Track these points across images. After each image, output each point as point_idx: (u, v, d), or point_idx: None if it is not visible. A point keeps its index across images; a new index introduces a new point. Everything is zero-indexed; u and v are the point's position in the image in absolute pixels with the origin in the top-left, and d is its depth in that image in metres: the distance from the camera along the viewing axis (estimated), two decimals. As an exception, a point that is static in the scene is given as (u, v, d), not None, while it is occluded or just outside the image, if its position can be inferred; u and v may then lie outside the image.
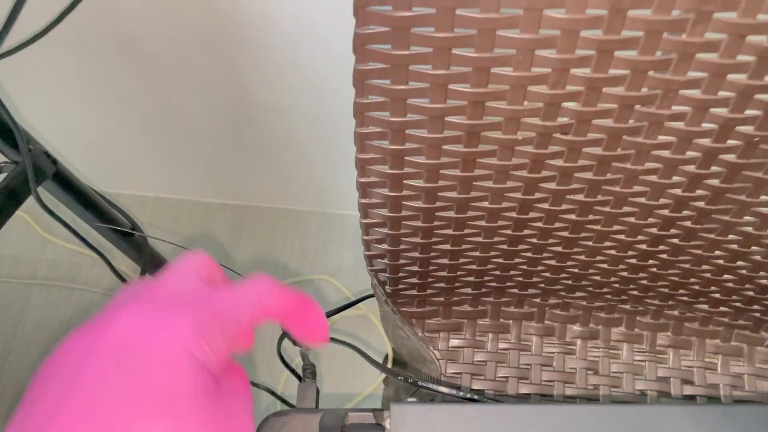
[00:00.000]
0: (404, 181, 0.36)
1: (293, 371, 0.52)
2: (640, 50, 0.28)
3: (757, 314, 0.48)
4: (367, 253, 0.43)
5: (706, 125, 0.32)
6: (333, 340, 0.55)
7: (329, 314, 0.56)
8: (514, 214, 0.39)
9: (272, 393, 0.74)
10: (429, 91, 0.31)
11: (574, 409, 0.36)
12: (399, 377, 0.49)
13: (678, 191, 0.36)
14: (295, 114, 0.85)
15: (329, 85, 0.78)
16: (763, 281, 0.43)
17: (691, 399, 0.49)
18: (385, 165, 0.35)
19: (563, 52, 0.28)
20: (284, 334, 0.53)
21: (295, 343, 0.54)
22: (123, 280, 0.70)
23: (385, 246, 0.42)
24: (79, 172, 0.98)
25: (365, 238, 0.41)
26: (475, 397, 0.47)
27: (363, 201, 0.38)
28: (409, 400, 0.36)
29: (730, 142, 0.33)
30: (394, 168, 0.35)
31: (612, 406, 0.36)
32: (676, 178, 0.35)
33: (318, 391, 0.41)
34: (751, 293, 0.45)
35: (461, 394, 0.47)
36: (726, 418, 0.37)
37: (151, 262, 0.74)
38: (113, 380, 0.21)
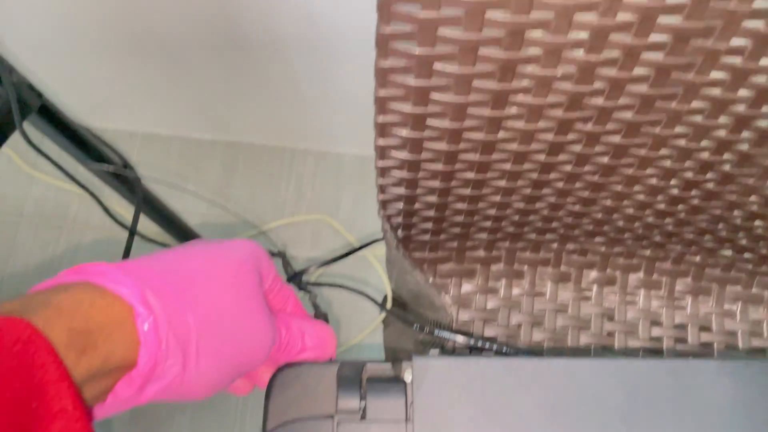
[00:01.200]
0: (427, 122, 0.33)
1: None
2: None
3: (782, 261, 0.46)
4: (381, 197, 0.40)
5: (763, 62, 0.29)
6: (342, 287, 0.53)
7: (333, 261, 0.53)
8: (542, 157, 0.37)
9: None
10: (463, 18, 0.27)
11: (604, 363, 0.35)
12: (415, 326, 0.47)
13: (722, 133, 0.34)
14: (291, 47, 0.80)
15: (328, 16, 0.73)
16: (796, 228, 0.41)
17: (707, 346, 0.48)
18: (407, 102, 0.32)
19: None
20: (287, 280, 0.51)
21: (300, 288, 0.52)
22: (114, 219, 0.67)
23: (401, 190, 0.39)
24: (63, 106, 0.94)
25: (381, 182, 0.39)
26: (486, 345, 0.45)
27: (380, 142, 0.35)
28: (432, 352, 0.35)
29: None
30: (418, 105, 0.32)
31: (646, 360, 0.35)
32: (723, 119, 0.33)
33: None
34: (779, 240, 0.43)
35: (472, 342, 0.45)
36: (750, 372, 0.35)
37: (144, 201, 0.71)
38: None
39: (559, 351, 0.48)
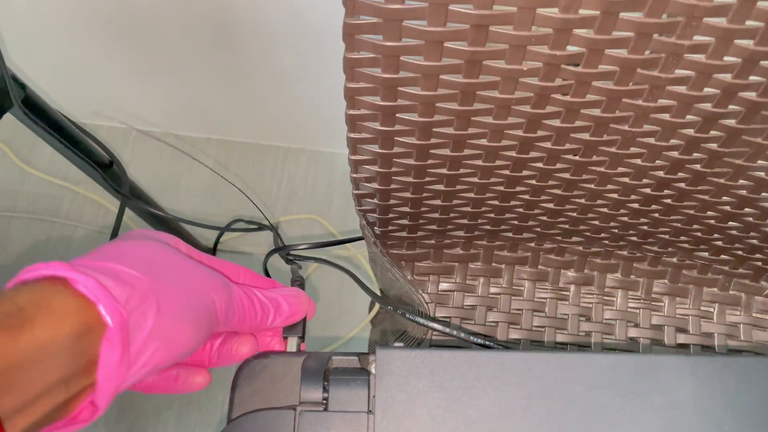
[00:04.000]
0: (397, 115, 0.34)
1: None
2: (665, -30, 0.25)
3: (759, 263, 0.46)
4: (356, 192, 0.40)
5: (728, 59, 0.29)
6: (329, 263, 0.53)
7: (323, 245, 0.53)
8: (513, 153, 0.37)
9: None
10: (427, 12, 0.28)
11: (566, 357, 0.35)
12: (389, 307, 0.47)
13: (691, 131, 0.34)
14: (283, 46, 0.80)
15: (319, 14, 0.74)
16: (769, 229, 0.41)
17: (684, 347, 0.48)
18: (376, 96, 0.32)
19: (579, -30, 0.25)
20: (273, 251, 0.51)
21: (287, 261, 0.53)
22: (116, 189, 0.67)
23: (374, 185, 0.40)
24: (56, 103, 0.94)
25: (354, 175, 0.39)
26: (462, 335, 0.45)
27: (352, 135, 0.35)
28: (396, 344, 0.35)
29: (752, 78, 0.30)
30: (387, 100, 0.32)
31: (609, 355, 0.35)
32: (690, 117, 0.33)
33: (305, 321, 0.39)
34: (755, 241, 0.43)
35: (453, 332, 0.45)
36: (725, 369, 0.35)
37: (131, 194, 0.71)
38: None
39: (536, 348, 0.48)
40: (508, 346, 0.48)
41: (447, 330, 0.43)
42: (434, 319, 0.48)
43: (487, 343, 0.44)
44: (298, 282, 0.42)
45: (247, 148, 1.08)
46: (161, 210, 0.78)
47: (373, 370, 0.34)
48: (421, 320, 0.43)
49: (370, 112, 0.34)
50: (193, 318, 0.30)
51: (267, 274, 0.46)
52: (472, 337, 0.43)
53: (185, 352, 0.30)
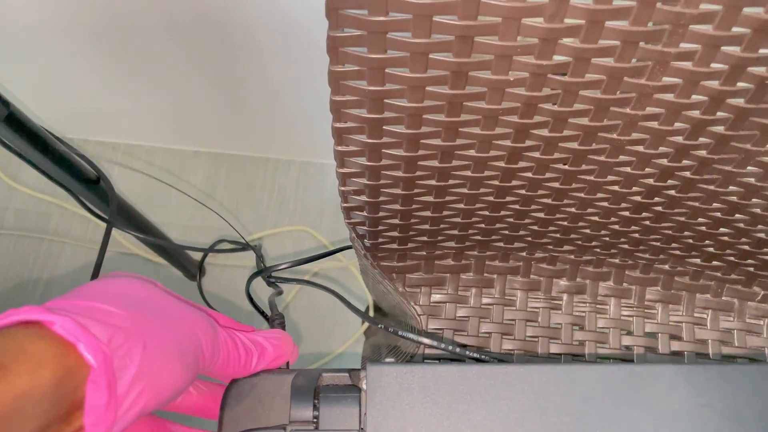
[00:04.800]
0: (384, 127, 0.33)
1: (263, 314, 0.49)
2: (649, -22, 0.25)
3: (751, 268, 0.46)
4: (345, 205, 0.40)
5: (715, 65, 0.29)
6: (313, 284, 0.53)
7: (306, 261, 0.53)
8: (502, 164, 0.36)
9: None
10: (411, 23, 0.27)
11: (559, 368, 0.34)
12: (379, 325, 0.47)
13: (679, 139, 0.34)
14: (271, 58, 0.80)
15: (306, 26, 0.73)
16: (760, 235, 0.41)
17: (678, 355, 0.48)
18: (363, 109, 0.32)
19: (563, -20, 0.25)
20: (254, 274, 0.51)
21: (269, 283, 0.52)
22: (99, 217, 0.66)
23: (363, 197, 0.39)
24: (43, 118, 0.94)
25: (342, 188, 0.38)
26: (457, 349, 0.45)
27: (339, 148, 0.35)
28: (387, 360, 0.34)
29: (740, 84, 0.30)
30: (373, 112, 0.32)
31: (602, 365, 0.35)
32: (678, 125, 0.33)
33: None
34: (746, 247, 0.43)
35: (442, 345, 0.45)
36: (719, 377, 0.35)
37: (120, 213, 0.70)
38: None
39: (529, 360, 0.48)
40: (502, 358, 0.47)
41: (438, 345, 0.43)
42: (425, 334, 0.48)
43: (480, 356, 0.44)
44: (279, 320, 0.41)
45: (236, 160, 1.07)
46: (149, 229, 0.77)
47: (364, 387, 0.34)
48: (412, 336, 0.42)
49: (357, 125, 0.33)
50: (180, 355, 0.29)
51: (250, 299, 0.45)
52: (466, 351, 0.42)
53: (173, 393, 0.29)
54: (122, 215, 0.72)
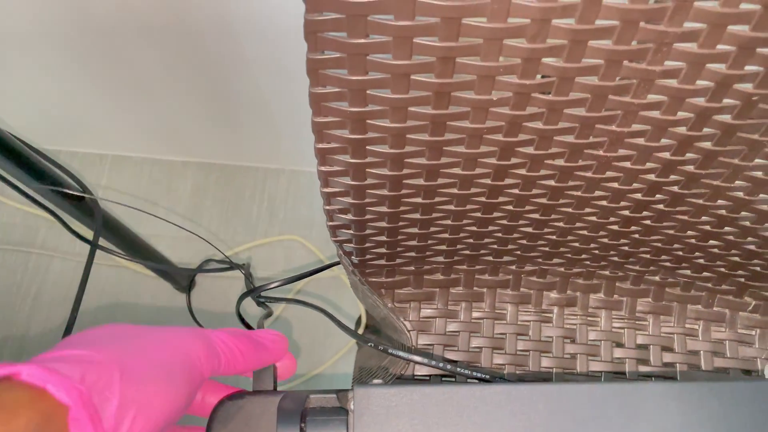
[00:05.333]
0: (367, 147, 0.33)
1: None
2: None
3: (742, 279, 0.45)
4: (330, 223, 0.40)
5: (700, 83, 0.29)
6: (302, 303, 0.52)
7: (295, 279, 0.53)
8: (488, 181, 0.36)
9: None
10: (392, 45, 0.27)
11: (549, 388, 0.34)
12: (369, 344, 0.46)
13: (666, 154, 0.33)
14: (258, 67, 0.80)
15: (292, 36, 0.73)
16: (750, 247, 0.41)
17: (670, 366, 0.48)
18: (345, 129, 0.32)
19: (544, 1, 0.25)
20: (244, 294, 0.50)
21: (259, 303, 0.51)
22: (83, 239, 0.65)
23: (349, 216, 0.39)
24: (29, 130, 0.93)
25: (327, 207, 0.38)
26: (448, 366, 0.44)
27: (322, 168, 0.34)
28: (375, 382, 0.34)
29: (726, 101, 0.30)
30: (356, 133, 0.32)
31: (593, 384, 0.34)
32: (665, 141, 0.32)
33: (276, 370, 0.38)
34: (736, 258, 0.43)
35: (432, 362, 0.44)
36: (710, 394, 0.35)
37: (105, 226, 0.70)
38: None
39: (521, 375, 0.47)
40: (492, 373, 0.47)
41: (428, 362, 0.42)
42: (415, 350, 0.47)
43: (471, 372, 0.43)
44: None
45: (225, 170, 1.07)
46: (137, 245, 0.76)
47: (351, 409, 0.33)
48: (402, 354, 0.42)
49: (340, 145, 0.33)
50: (165, 375, 0.29)
51: (241, 319, 0.45)
52: (456, 367, 0.42)
53: (171, 412, 0.29)
54: (109, 230, 0.71)
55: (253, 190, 1.06)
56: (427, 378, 0.46)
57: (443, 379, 0.47)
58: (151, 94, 0.88)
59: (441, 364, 0.42)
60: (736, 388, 0.34)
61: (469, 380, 0.44)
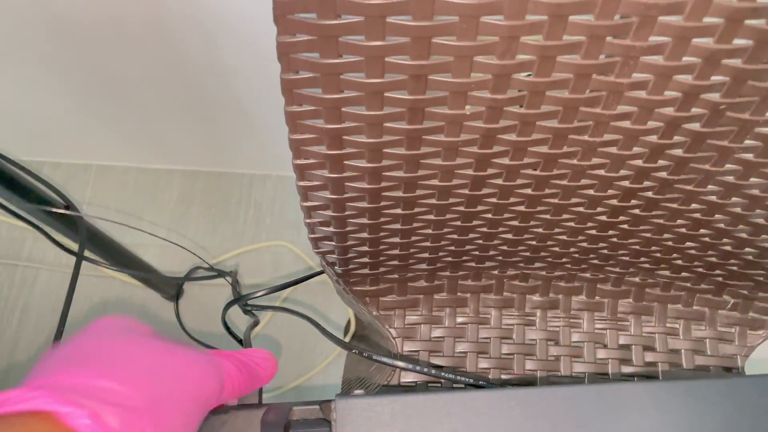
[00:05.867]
0: (345, 162, 0.33)
1: (239, 340, 0.49)
2: (596, 15, 0.25)
3: (720, 278, 0.46)
4: (312, 236, 0.40)
5: (669, 93, 0.29)
6: (288, 311, 0.53)
7: (282, 288, 0.53)
8: (466, 191, 0.36)
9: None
10: (364, 64, 0.27)
11: (527, 393, 0.35)
12: (353, 350, 0.47)
13: (639, 162, 0.34)
14: (237, 75, 0.80)
15: (269, 43, 0.73)
16: (726, 248, 0.42)
17: (652, 365, 0.48)
18: (322, 146, 0.32)
19: (512, 19, 0.25)
20: (230, 303, 0.51)
21: (245, 312, 0.52)
22: (68, 251, 0.65)
23: (330, 228, 0.39)
24: (10, 141, 0.92)
25: (308, 221, 0.38)
26: (432, 371, 0.45)
27: (301, 183, 0.35)
28: (357, 392, 0.34)
29: (695, 110, 0.30)
30: (333, 149, 0.32)
31: (573, 387, 0.35)
32: (637, 149, 0.33)
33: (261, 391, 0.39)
34: (713, 259, 0.44)
35: (417, 368, 0.45)
36: (686, 394, 0.35)
37: (90, 238, 0.70)
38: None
39: (506, 380, 0.48)
40: (478, 377, 0.47)
41: (413, 368, 0.43)
42: (401, 357, 0.47)
43: (456, 377, 0.43)
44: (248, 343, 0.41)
45: (211, 177, 1.07)
46: (122, 255, 0.76)
47: (334, 419, 0.34)
48: (387, 360, 0.42)
49: (318, 161, 0.33)
50: (188, 422, 0.29)
51: (226, 328, 0.45)
52: (441, 372, 0.42)
53: None
54: (94, 242, 0.71)
55: (240, 197, 1.06)
56: (414, 384, 0.47)
57: (429, 385, 0.47)
58: (133, 103, 0.88)
59: (425, 370, 0.43)
60: (711, 386, 0.34)
61: (455, 385, 0.45)
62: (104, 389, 0.27)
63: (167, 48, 0.74)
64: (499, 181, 0.35)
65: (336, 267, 0.45)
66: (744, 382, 0.36)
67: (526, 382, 0.48)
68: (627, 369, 0.48)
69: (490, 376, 0.48)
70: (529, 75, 0.28)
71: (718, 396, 0.35)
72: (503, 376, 0.48)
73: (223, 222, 1.04)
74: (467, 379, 0.43)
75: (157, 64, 0.77)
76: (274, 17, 0.25)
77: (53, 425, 0.24)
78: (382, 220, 0.39)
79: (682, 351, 0.48)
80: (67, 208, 0.64)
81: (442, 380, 0.46)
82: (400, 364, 0.43)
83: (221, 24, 0.70)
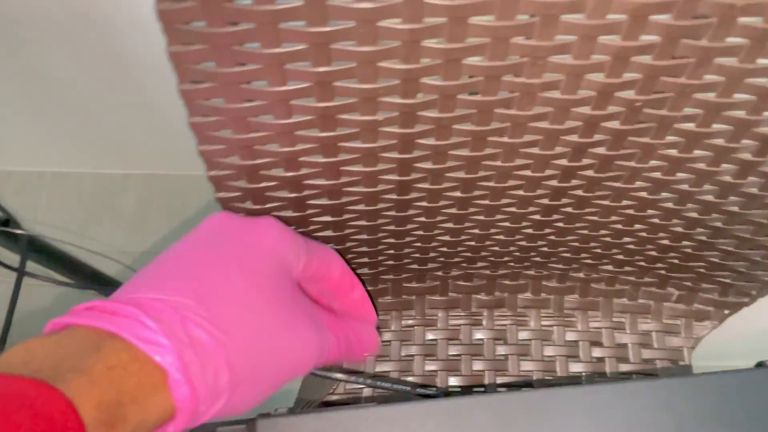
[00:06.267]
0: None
1: None
2: (497, 16, 0.24)
3: (662, 271, 0.46)
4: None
5: (583, 92, 0.29)
6: None
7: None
8: (394, 196, 0.36)
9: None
10: (265, 71, 0.26)
11: (458, 402, 0.34)
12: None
13: (564, 161, 0.33)
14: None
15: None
16: (664, 242, 0.41)
17: (600, 361, 0.48)
18: (235, 156, 0.31)
19: (410, 22, 0.24)
20: None
21: None
22: (8, 267, 0.63)
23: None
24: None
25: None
26: (368, 381, 0.44)
27: (221, 195, 0.34)
28: (279, 410, 0.33)
29: (611, 108, 0.30)
30: (246, 159, 0.31)
31: (500, 395, 0.34)
32: (559, 149, 0.32)
33: None
34: (653, 253, 0.43)
35: (361, 380, 0.44)
36: (615, 396, 0.35)
37: (35, 250, 0.68)
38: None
39: (452, 386, 0.47)
40: (425, 383, 0.47)
41: (347, 378, 0.42)
42: (336, 368, 0.47)
43: (392, 385, 0.43)
44: None
45: (168, 180, 1.05)
46: (74, 266, 0.74)
47: (262, 440, 0.33)
48: (320, 372, 0.42)
49: (233, 172, 0.32)
50: (267, 394, 0.29)
51: None
52: (377, 382, 0.42)
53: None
54: (39, 253, 0.69)
55: (199, 200, 1.04)
56: (359, 395, 0.46)
57: (376, 392, 0.46)
58: (79, 106, 0.86)
59: (361, 380, 0.42)
60: (639, 388, 0.34)
61: (394, 392, 0.44)
62: (200, 342, 0.26)
63: (105, 45, 0.72)
64: (426, 185, 0.35)
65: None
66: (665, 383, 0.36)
67: (477, 384, 0.48)
68: (574, 366, 0.48)
69: (437, 380, 0.47)
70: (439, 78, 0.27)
71: (645, 398, 0.35)
72: (451, 379, 0.48)
73: (183, 227, 1.03)
74: (403, 387, 0.42)
75: (97, 63, 0.75)
76: (162, 27, 0.24)
77: (158, 380, 0.25)
78: (311, 228, 0.38)
79: (629, 345, 0.48)
80: (7, 222, 0.62)
81: (378, 390, 0.45)
82: (339, 376, 0.42)
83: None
